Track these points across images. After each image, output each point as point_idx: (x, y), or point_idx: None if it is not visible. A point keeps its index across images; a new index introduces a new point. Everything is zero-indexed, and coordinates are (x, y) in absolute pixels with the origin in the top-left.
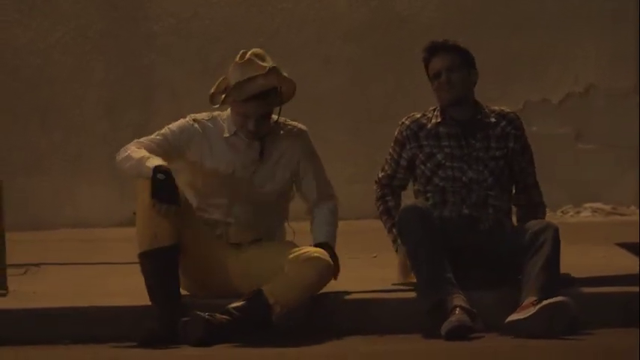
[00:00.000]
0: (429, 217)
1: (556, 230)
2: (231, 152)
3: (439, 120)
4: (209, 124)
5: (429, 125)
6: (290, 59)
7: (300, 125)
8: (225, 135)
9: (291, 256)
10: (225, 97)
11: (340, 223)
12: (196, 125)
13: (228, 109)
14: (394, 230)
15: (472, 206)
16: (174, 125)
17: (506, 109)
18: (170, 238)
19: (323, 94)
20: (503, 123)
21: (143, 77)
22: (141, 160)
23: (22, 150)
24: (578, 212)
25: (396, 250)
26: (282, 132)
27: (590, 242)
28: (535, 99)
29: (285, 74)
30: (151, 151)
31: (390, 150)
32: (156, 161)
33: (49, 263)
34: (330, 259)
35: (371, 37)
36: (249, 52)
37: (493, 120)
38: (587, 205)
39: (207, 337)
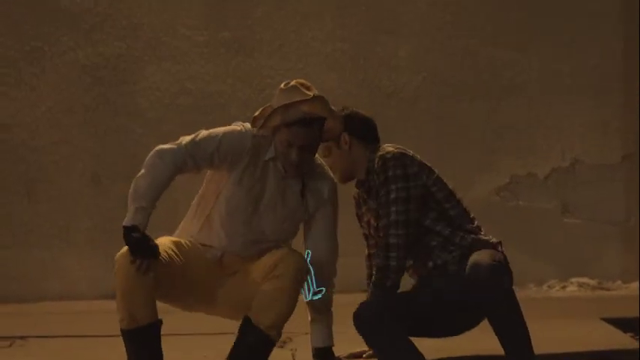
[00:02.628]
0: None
1: None
2: (265, 178)
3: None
4: (258, 141)
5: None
6: None
7: (328, 174)
8: (265, 158)
9: (263, 276)
10: (267, 120)
11: None
12: (250, 143)
13: None
14: None
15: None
16: (226, 137)
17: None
18: (148, 316)
19: None
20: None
21: (130, 149)
22: (130, 201)
23: (8, 221)
24: (564, 287)
25: None
26: (316, 172)
27: (576, 317)
28: (521, 173)
29: (332, 107)
30: (183, 165)
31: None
32: (138, 218)
33: (34, 336)
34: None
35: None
36: (294, 81)
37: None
38: (574, 279)
39: None
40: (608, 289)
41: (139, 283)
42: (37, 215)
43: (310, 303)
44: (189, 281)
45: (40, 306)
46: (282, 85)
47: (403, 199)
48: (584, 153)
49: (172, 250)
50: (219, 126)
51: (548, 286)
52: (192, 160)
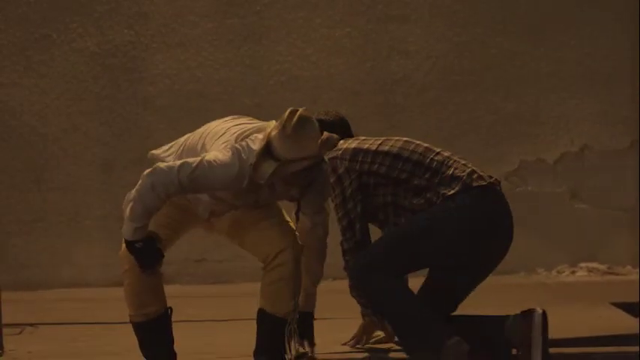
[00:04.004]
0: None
1: None
2: (263, 191)
3: None
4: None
5: None
6: None
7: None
8: (261, 181)
9: (264, 262)
10: (273, 173)
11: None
12: (247, 177)
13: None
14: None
15: None
16: (223, 179)
17: None
18: (157, 308)
19: None
20: None
21: (139, 137)
22: (127, 219)
23: (18, 209)
24: (573, 272)
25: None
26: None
27: (586, 302)
28: (530, 159)
29: (333, 138)
30: (175, 195)
31: None
32: (138, 234)
33: (45, 323)
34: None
35: (365, 97)
36: (296, 120)
37: None
38: (583, 264)
39: None
40: (617, 274)
41: (148, 281)
42: (47, 203)
43: (306, 276)
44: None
45: (51, 293)
46: (282, 125)
47: (340, 203)
48: (592, 139)
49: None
50: (227, 112)
51: (558, 271)
52: (185, 192)
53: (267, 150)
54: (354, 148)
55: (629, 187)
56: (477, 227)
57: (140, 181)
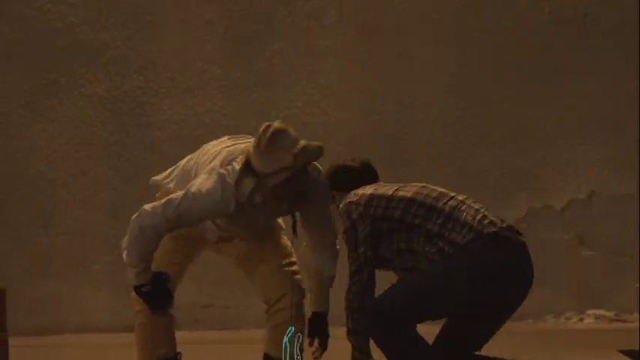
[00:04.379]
0: None
1: None
2: (258, 212)
3: None
4: (244, 199)
5: None
6: None
7: (317, 166)
8: (255, 201)
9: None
10: (253, 189)
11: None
12: (233, 200)
13: None
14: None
15: None
16: (209, 209)
17: None
18: (167, 349)
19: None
20: None
21: (147, 182)
22: (128, 264)
23: (26, 254)
24: (581, 319)
25: None
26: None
27: (594, 349)
28: (538, 205)
29: (312, 145)
30: (166, 233)
31: None
32: (142, 278)
33: None
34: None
35: (372, 148)
36: (269, 134)
37: None
38: (591, 311)
39: None
40: (624, 321)
41: (160, 322)
42: (54, 247)
43: (321, 279)
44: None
45: (59, 338)
46: (257, 141)
47: (352, 248)
48: (601, 185)
49: (172, 254)
50: None
51: (566, 318)
52: (176, 227)
53: (246, 167)
54: (370, 194)
55: (636, 233)
56: (489, 276)
57: (130, 226)
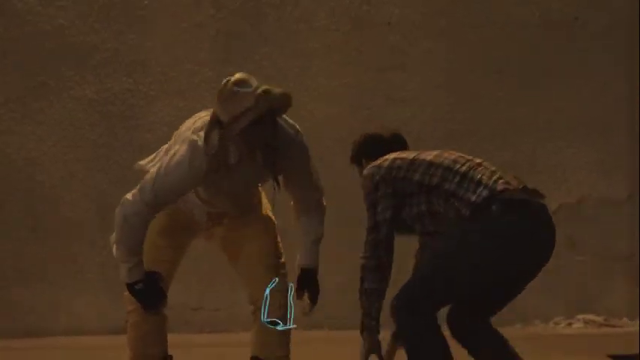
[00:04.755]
0: None
1: None
2: (237, 176)
3: None
4: (215, 150)
5: None
6: None
7: (295, 125)
8: (230, 161)
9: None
10: (218, 139)
11: (328, 334)
12: (205, 164)
13: None
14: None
15: None
16: (182, 179)
17: None
18: (159, 350)
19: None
20: None
21: (136, 184)
22: (119, 261)
23: (15, 257)
24: (570, 324)
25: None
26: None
27: (584, 354)
28: None
29: (276, 90)
30: (152, 217)
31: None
32: (136, 274)
33: None
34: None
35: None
36: (231, 82)
37: None
38: (580, 316)
39: None
40: (614, 326)
41: (152, 322)
42: (44, 250)
43: (306, 236)
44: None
45: (49, 341)
46: (219, 92)
47: (370, 210)
48: (590, 188)
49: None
50: None
51: (555, 323)
52: (157, 208)
53: (213, 122)
54: (393, 158)
55: (626, 236)
56: (502, 241)
57: (115, 219)
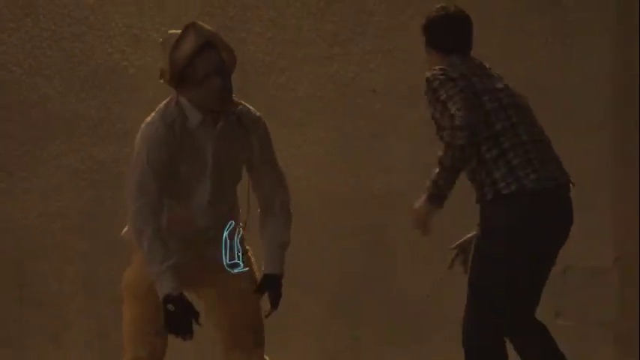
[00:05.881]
0: None
1: None
2: (203, 144)
3: None
4: (173, 119)
5: None
6: None
7: (256, 111)
8: (191, 126)
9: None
10: (175, 76)
11: None
12: (165, 132)
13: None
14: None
15: None
16: (150, 153)
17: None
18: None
19: (302, 265)
20: None
21: (123, 254)
22: (155, 275)
23: (1, 325)
24: None
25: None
26: (241, 112)
27: None
28: None
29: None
30: (160, 209)
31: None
32: (165, 285)
33: None
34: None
35: (350, 213)
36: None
37: None
38: None
39: None
40: None
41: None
42: (30, 318)
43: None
44: None
45: None
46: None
47: (452, 95)
48: (575, 257)
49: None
50: None
51: None
52: (151, 206)
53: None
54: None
55: (612, 303)
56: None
57: (134, 237)
